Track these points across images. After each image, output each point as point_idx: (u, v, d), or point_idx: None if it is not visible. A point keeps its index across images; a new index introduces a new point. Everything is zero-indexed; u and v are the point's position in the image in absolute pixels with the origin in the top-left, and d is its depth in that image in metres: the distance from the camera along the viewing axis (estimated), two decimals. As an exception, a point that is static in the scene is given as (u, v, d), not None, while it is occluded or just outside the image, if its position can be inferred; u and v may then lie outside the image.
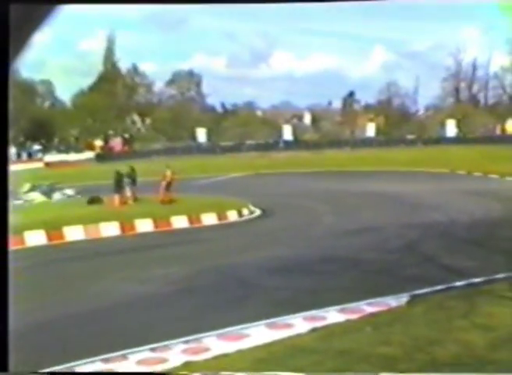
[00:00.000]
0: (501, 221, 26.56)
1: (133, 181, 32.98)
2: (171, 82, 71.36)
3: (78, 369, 12.04)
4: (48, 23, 2.66)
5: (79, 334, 14.17)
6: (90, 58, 68.81)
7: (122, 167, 33.85)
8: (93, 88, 68.16)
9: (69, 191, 37.89)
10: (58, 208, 30.75)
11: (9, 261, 3.68)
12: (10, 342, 3.80)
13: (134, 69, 70.62)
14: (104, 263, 21.72)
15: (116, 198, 31.59)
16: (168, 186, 32.85)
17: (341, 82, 77.70)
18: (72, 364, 12.18)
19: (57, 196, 36.72)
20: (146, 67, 76.13)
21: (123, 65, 69.95)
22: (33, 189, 37.12)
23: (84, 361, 12.32)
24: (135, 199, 32.32)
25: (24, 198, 35.48)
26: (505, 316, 14.16)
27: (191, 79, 71.20)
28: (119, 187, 31.93)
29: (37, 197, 36.05)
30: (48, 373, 10.50)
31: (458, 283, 17.06)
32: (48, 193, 36.85)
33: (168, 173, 33.24)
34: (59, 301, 16.84)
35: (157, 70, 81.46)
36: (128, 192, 32.47)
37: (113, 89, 67.35)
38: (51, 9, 2.58)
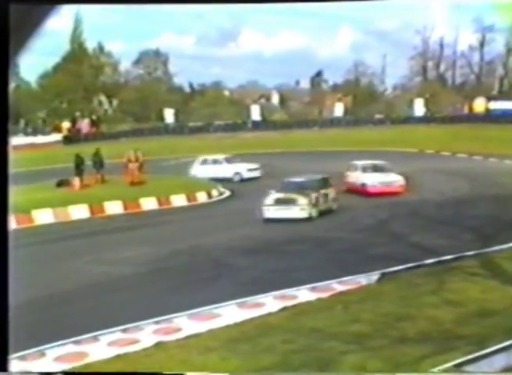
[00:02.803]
0: (469, 199, 26.83)
1: (100, 163, 32.67)
2: (138, 61, 70.70)
3: (49, 352, 12.01)
4: (48, 22, 2.65)
5: (50, 317, 14.12)
6: (57, 37, 68.00)
7: (89, 150, 33.60)
8: (59, 69, 67.31)
9: None
10: (26, 191, 30.44)
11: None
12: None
13: (100, 49, 69.86)
14: (74, 246, 21.61)
15: (77, 181, 31.25)
16: (140, 168, 32.68)
17: (309, 61, 77.82)
18: (43, 347, 12.14)
19: None
20: (112, 47, 75.40)
21: (89, 44, 69.12)
22: None
23: (55, 343, 12.29)
24: (103, 181, 32.08)
25: None
26: (473, 292, 14.36)
27: (158, 58, 70.58)
28: (79, 170, 31.57)
29: None
30: (47, 373, 10.46)
31: (428, 261, 17.23)
32: None
33: (134, 154, 32.97)
34: (29, 284, 16.73)
35: (123, 50, 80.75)
36: (94, 175, 32.25)
37: (79, 69, 66.54)
38: (51, 9, 2.58)
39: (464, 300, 13.84)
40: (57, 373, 11.06)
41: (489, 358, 9.80)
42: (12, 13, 2.49)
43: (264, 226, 23.46)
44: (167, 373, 11.26)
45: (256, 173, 35.95)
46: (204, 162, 36.83)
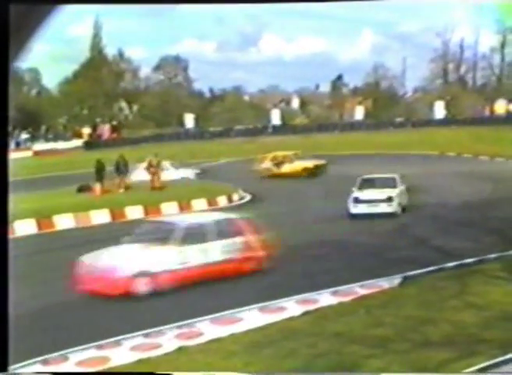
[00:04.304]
0: (491, 202, 26.66)
1: (124, 169, 32.83)
2: (158, 67, 70.97)
3: (72, 356, 12.03)
4: (48, 23, 2.65)
5: (72, 322, 14.16)
6: (77, 44, 68.37)
7: (111, 155, 33.74)
8: (79, 75, 67.75)
9: None
10: (47, 196, 30.56)
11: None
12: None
13: (120, 55, 70.21)
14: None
15: (98, 186, 31.36)
16: (159, 173, 32.81)
17: (329, 65, 77.81)
18: (66, 351, 12.17)
19: None
20: (132, 53, 75.72)
21: (109, 51, 69.52)
22: None
23: (78, 348, 12.32)
24: (126, 187, 32.21)
25: None
26: (496, 295, 14.24)
27: (178, 64, 70.81)
28: (99, 175, 31.67)
29: None
30: (47, 373, 10.50)
31: (450, 264, 17.11)
32: None
33: (155, 159, 33.09)
34: (51, 289, 16.78)
35: (143, 56, 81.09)
36: (117, 180, 32.40)
37: (100, 75, 66.94)
38: (51, 9, 2.58)
39: (487, 303, 13.74)
40: (57, 373, 11.08)
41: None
42: (12, 13, 2.49)
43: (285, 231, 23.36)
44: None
45: None
46: None
